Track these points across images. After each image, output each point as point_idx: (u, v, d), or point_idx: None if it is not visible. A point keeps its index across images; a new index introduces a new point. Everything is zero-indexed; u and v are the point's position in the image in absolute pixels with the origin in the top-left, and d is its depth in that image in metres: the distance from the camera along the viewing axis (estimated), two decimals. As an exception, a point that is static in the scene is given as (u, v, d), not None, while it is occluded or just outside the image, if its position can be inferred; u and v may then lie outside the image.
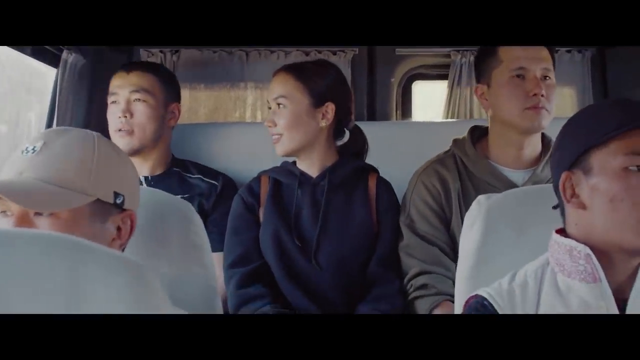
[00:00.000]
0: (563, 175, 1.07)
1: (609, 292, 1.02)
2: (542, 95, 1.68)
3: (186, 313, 0.91)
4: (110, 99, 1.95)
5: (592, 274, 1.02)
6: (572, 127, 1.10)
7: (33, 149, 1.05)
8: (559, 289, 1.06)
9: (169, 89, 2.01)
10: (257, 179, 1.81)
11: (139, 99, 1.93)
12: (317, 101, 1.76)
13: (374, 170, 1.84)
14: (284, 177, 1.78)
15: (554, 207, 1.12)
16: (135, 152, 1.92)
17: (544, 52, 1.73)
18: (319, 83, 1.77)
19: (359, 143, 1.87)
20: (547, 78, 1.72)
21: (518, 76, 1.70)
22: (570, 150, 1.07)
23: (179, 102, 2.05)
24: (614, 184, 1.01)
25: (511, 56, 1.71)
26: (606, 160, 1.02)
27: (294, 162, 1.81)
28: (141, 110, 1.93)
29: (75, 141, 1.08)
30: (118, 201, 1.09)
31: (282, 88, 1.76)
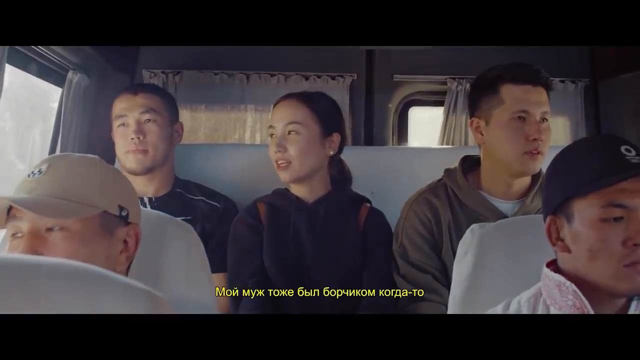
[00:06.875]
0: (548, 220, 1.11)
1: None
2: (541, 140, 1.70)
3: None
4: (117, 122, 1.95)
5: (581, 308, 1.05)
6: (555, 172, 1.13)
7: (39, 171, 1.10)
8: None
9: (172, 108, 2.04)
10: (254, 205, 1.83)
11: (150, 120, 1.94)
12: (327, 130, 1.80)
13: (367, 201, 1.87)
14: (279, 202, 1.81)
15: None
16: (147, 170, 1.94)
17: (543, 95, 1.73)
18: (328, 113, 1.82)
19: (346, 173, 1.91)
20: (545, 120, 1.72)
21: (519, 118, 1.70)
22: (553, 196, 1.10)
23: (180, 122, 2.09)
24: (592, 234, 1.04)
25: (513, 98, 1.70)
26: (585, 211, 1.05)
27: (286, 189, 1.83)
28: (153, 130, 1.94)
29: (79, 161, 1.15)
30: (123, 214, 1.14)
31: (296, 114, 1.77)
